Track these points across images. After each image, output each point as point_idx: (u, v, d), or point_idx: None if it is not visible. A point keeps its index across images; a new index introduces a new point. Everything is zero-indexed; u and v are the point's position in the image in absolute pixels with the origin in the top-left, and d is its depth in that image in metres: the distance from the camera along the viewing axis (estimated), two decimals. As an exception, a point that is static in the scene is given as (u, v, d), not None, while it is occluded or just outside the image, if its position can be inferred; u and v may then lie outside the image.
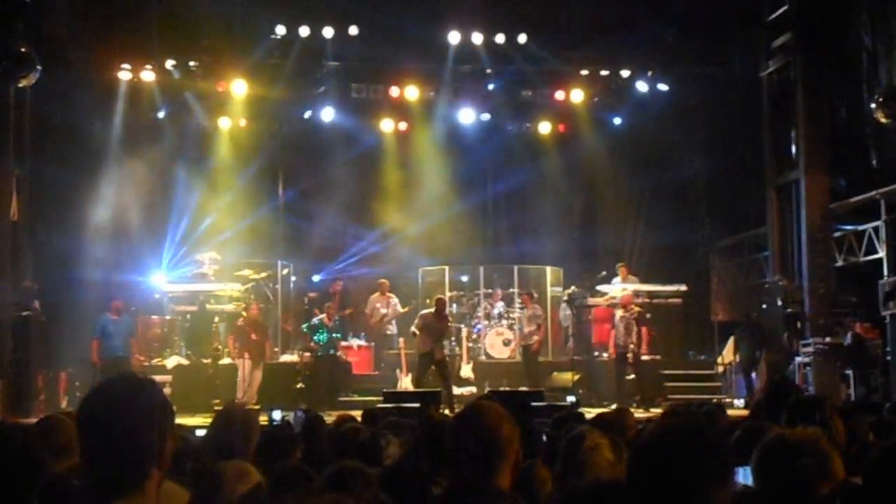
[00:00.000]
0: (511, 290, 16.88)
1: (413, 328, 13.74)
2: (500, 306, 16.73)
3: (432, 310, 13.81)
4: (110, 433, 1.98)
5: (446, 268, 17.12)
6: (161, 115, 17.02)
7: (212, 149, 17.65)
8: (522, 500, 2.69)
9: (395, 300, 16.46)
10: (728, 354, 15.66)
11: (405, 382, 14.55)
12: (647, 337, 14.49)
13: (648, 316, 14.89)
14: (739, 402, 14.31)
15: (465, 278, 17.68)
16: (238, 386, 14.21)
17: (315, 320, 14.74)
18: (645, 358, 14.72)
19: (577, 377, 14.56)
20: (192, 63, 16.55)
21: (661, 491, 1.92)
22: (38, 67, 12.92)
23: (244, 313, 15.04)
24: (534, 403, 10.46)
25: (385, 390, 12.77)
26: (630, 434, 4.96)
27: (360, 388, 14.63)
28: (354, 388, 14.82)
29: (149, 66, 16.29)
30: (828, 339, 13.96)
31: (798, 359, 14.39)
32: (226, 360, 14.75)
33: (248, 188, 17.69)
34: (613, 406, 11.68)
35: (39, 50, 13.15)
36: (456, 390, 13.81)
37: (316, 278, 17.37)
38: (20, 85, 13.07)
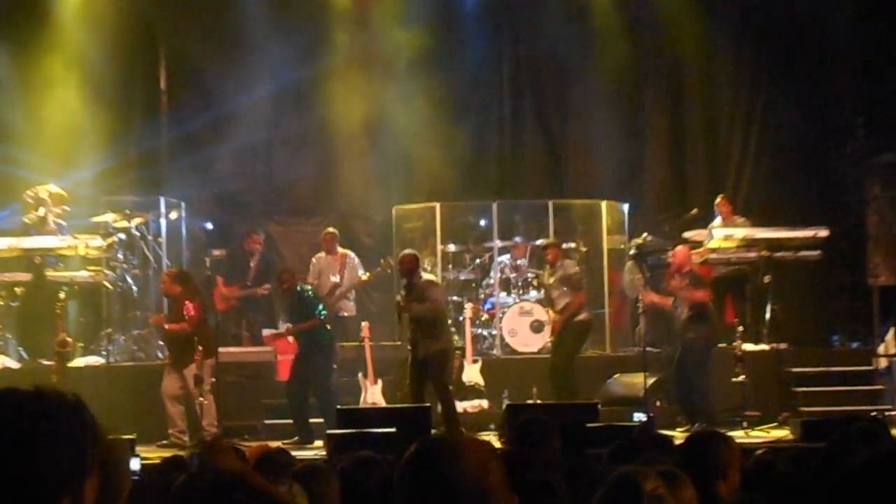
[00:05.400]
0: (542, 240, 15.90)
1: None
2: (524, 266, 15.97)
3: (403, 280, 13.41)
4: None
5: (437, 205, 16.08)
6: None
7: (46, 20, 16.93)
8: None
9: (352, 258, 15.45)
10: (893, 340, 15.54)
11: (374, 393, 14.21)
12: (734, 311, 14.92)
13: (767, 279, 14.74)
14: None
15: (467, 220, 16.92)
16: None
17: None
18: (759, 348, 14.78)
19: (652, 381, 14.21)
20: None
21: None
22: None
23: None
24: (587, 425, 10.70)
25: (339, 407, 12.49)
26: (732, 478, 5.08)
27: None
28: (276, 406, 14.44)
29: None
30: None
31: None
32: (78, 361, 14.50)
33: (109, 81, 16.93)
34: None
35: None
36: (458, 406, 13.70)
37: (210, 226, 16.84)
38: None
